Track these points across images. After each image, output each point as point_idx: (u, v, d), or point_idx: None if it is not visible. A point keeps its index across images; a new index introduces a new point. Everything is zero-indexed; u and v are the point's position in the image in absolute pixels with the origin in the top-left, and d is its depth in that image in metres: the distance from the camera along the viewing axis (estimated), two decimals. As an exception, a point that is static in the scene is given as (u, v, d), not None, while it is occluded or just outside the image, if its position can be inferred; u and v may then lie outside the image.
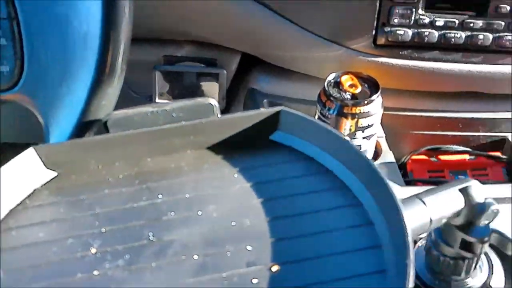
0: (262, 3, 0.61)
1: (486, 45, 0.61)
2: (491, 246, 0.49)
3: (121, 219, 0.31)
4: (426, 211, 0.40)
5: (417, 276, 0.49)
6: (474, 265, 0.46)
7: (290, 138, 0.37)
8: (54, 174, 0.34)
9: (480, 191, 0.42)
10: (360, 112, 0.55)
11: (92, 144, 0.35)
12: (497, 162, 0.66)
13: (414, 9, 0.60)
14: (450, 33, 0.60)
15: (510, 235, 0.49)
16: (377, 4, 0.59)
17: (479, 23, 0.60)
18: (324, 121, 0.58)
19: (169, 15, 0.65)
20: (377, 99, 0.56)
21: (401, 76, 0.63)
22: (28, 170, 0.33)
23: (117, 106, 0.42)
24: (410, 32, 0.60)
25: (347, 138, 0.34)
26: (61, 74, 0.37)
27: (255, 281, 0.28)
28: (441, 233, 0.45)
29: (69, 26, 0.36)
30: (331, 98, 0.56)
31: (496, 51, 0.61)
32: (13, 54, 0.37)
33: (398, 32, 0.60)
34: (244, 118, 0.36)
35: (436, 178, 0.64)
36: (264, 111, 0.36)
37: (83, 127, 0.38)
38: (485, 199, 0.41)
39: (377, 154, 0.61)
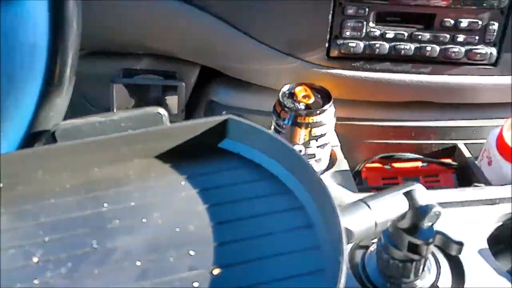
0: (220, 17, 0.63)
1: (434, 56, 0.64)
2: (438, 247, 0.51)
3: (65, 228, 0.31)
4: (371, 214, 0.42)
5: (369, 280, 0.51)
6: (422, 266, 0.48)
7: (238, 146, 0.38)
8: (-1, 185, 0.34)
9: (423, 195, 0.44)
10: (313, 122, 0.57)
11: (39, 154, 0.35)
12: (448, 168, 0.69)
13: (365, 22, 0.62)
14: (400, 45, 0.63)
15: (458, 237, 0.51)
16: (329, 18, 0.61)
17: (427, 35, 0.63)
18: (279, 131, 0.59)
19: (127, 28, 0.66)
20: (330, 108, 0.58)
21: (354, 87, 0.65)
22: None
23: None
24: (361, 44, 0.63)
25: (291, 145, 0.36)
26: (8, 86, 0.37)
27: (196, 284, 0.28)
28: (390, 237, 0.47)
29: (15, 38, 0.36)
30: (286, 109, 0.57)
31: (443, 62, 0.65)
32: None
33: (350, 44, 0.63)
34: (192, 127, 0.37)
35: (390, 185, 0.66)
36: (212, 120, 0.37)
37: (31, 138, 0.38)
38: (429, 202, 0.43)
39: (332, 162, 0.63)
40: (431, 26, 0.63)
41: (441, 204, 0.56)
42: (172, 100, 0.66)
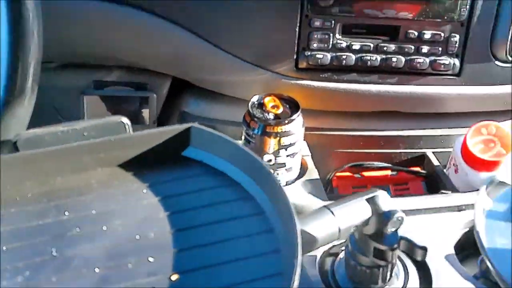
0: (190, 30, 0.64)
1: (400, 67, 0.65)
2: (406, 253, 0.52)
3: (25, 236, 0.31)
4: (334, 220, 0.42)
5: (339, 286, 0.51)
6: (389, 272, 0.49)
7: (201, 154, 0.38)
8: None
9: (386, 201, 0.45)
10: (282, 131, 0.58)
11: (1, 163, 0.35)
12: (417, 176, 0.70)
13: (331, 34, 0.64)
14: (366, 56, 0.65)
15: (426, 243, 0.52)
16: (297, 30, 0.63)
17: (392, 46, 0.65)
18: (249, 141, 0.60)
19: (98, 41, 0.66)
20: (298, 118, 0.59)
21: (323, 98, 0.66)
22: None
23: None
24: (329, 55, 0.64)
25: (253, 152, 0.36)
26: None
27: (153, 290, 0.28)
28: (356, 244, 0.48)
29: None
30: (255, 119, 0.58)
31: (408, 73, 0.66)
32: None
33: (317, 56, 0.64)
34: (155, 135, 0.37)
35: (360, 193, 0.67)
36: (175, 128, 0.37)
37: (-7, 149, 0.38)
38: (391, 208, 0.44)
39: (303, 171, 0.64)
40: (396, 37, 0.65)
41: (409, 211, 0.58)
42: (144, 112, 0.67)
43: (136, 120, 0.66)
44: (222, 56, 0.64)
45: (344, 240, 0.49)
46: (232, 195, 0.35)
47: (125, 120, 0.38)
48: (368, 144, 0.70)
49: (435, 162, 0.71)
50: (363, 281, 0.49)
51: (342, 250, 0.53)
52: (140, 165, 0.37)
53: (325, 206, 0.43)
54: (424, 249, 0.48)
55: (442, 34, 0.65)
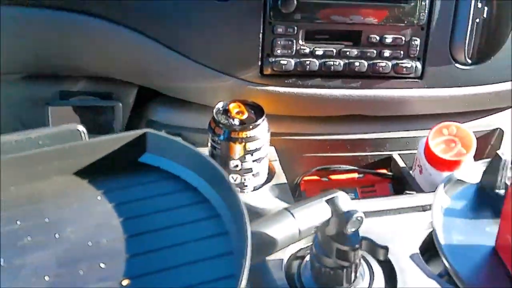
0: (154, 38, 0.64)
1: (363, 71, 0.67)
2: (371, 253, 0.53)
3: (-26, 247, 0.31)
4: (294, 222, 0.43)
5: (304, 290, 0.51)
6: (354, 273, 0.49)
7: (158, 159, 0.38)
8: None
9: (346, 201, 0.45)
10: (247, 137, 0.58)
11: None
12: (384, 178, 0.71)
13: (294, 40, 0.65)
14: (329, 61, 0.66)
15: (391, 243, 0.53)
16: (260, 37, 0.64)
17: (355, 51, 0.66)
18: (215, 147, 0.60)
19: (62, 51, 0.66)
20: (263, 123, 0.59)
21: (289, 103, 0.67)
22: None
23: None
24: (292, 61, 0.65)
25: (208, 156, 0.36)
26: None
27: (103, 295, 0.28)
28: (320, 245, 0.48)
29: None
30: (220, 125, 0.59)
31: (371, 77, 0.67)
32: None
33: (281, 62, 0.65)
34: (110, 141, 0.37)
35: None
36: (130, 134, 0.37)
37: None
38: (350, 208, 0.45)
39: (271, 176, 0.64)
40: (358, 42, 0.66)
41: (375, 212, 0.59)
42: (110, 121, 0.66)
43: (103, 130, 0.66)
44: (187, 64, 0.64)
45: (311, 243, 0.50)
46: (188, 199, 0.35)
47: (81, 127, 0.38)
48: (335, 148, 0.71)
49: (401, 164, 0.72)
50: (328, 283, 0.49)
51: (309, 253, 0.53)
52: (96, 172, 0.37)
53: (285, 208, 0.43)
54: (386, 248, 0.48)
55: (403, 38, 0.66)
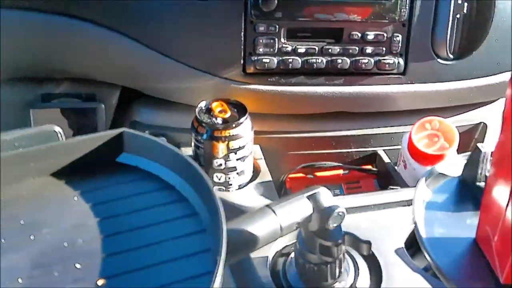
0: (135, 39, 0.64)
1: (345, 68, 0.67)
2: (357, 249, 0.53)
3: None
4: (276, 219, 0.43)
5: (289, 286, 0.51)
6: (338, 269, 0.49)
7: (135, 159, 0.38)
8: None
9: (327, 197, 0.46)
10: (230, 135, 0.58)
11: None
12: (369, 174, 0.72)
13: (276, 39, 0.65)
14: (312, 59, 0.66)
15: (376, 238, 0.53)
16: (242, 35, 0.64)
17: (337, 48, 0.66)
18: (198, 146, 0.60)
19: (44, 53, 0.65)
20: (246, 121, 0.59)
21: (272, 101, 0.67)
22: None
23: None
24: (275, 60, 0.65)
25: (186, 155, 0.36)
26: None
27: (78, 296, 0.28)
28: (304, 242, 0.48)
29: None
30: (203, 124, 0.59)
31: (354, 73, 0.68)
32: None
33: (264, 60, 0.65)
34: (87, 141, 0.37)
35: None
36: (107, 133, 0.37)
37: None
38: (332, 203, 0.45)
39: (256, 174, 0.64)
40: (340, 39, 0.66)
41: (360, 208, 0.59)
42: (93, 123, 0.66)
43: (86, 132, 0.65)
44: (170, 64, 0.64)
45: (296, 240, 0.50)
46: (166, 198, 0.35)
47: (57, 128, 0.38)
48: (321, 145, 0.72)
49: (386, 159, 0.72)
50: (312, 279, 0.49)
51: (293, 250, 0.53)
52: (74, 173, 0.37)
53: (266, 205, 0.43)
54: (368, 243, 0.49)
55: (385, 35, 0.67)
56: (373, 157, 0.74)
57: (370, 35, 0.66)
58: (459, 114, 0.75)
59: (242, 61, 0.65)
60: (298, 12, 0.64)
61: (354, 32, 0.66)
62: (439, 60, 0.69)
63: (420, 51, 0.68)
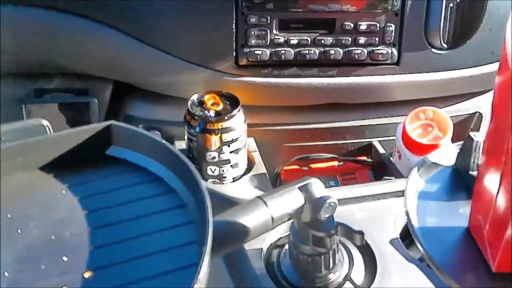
0: (127, 33, 0.63)
1: (338, 59, 0.67)
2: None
3: None
4: (267, 210, 0.43)
5: (284, 278, 0.51)
6: (332, 260, 0.49)
7: (124, 152, 0.38)
8: None
9: (319, 188, 0.45)
10: (223, 128, 0.58)
11: None
12: (364, 165, 0.72)
13: (268, 30, 0.64)
14: (304, 50, 0.66)
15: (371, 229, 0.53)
16: (234, 27, 0.63)
17: (329, 39, 0.66)
18: (191, 139, 0.60)
19: (36, 48, 0.65)
20: (238, 114, 0.59)
21: (265, 93, 0.67)
22: None
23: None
24: (267, 51, 0.65)
25: (171, 145, 0.36)
26: None
27: (64, 288, 0.28)
28: (297, 233, 0.48)
29: None
30: (195, 117, 0.58)
31: (348, 64, 0.67)
32: None
33: (256, 52, 0.64)
34: (75, 135, 0.37)
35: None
36: (94, 126, 0.37)
37: None
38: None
39: (250, 167, 0.64)
40: (332, 30, 0.66)
41: (355, 199, 0.59)
42: (86, 117, 0.66)
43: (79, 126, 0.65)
44: (162, 57, 0.64)
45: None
46: (154, 190, 0.35)
47: (45, 122, 0.38)
48: (315, 137, 0.71)
49: (381, 150, 0.72)
50: (307, 271, 0.49)
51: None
52: (62, 167, 0.36)
53: (258, 197, 0.43)
54: (361, 233, 0.48)
55: (378, 25, 0.66)
56: (369, 148, 0.74)
57: (363, 26, 0.66)
58: (455, 104, 0.75)
59: (234, 53, 0.65)
60: (289, 3, 0.63)
61: (346, 23, 0.65)
62: (432, 49, 0.68)
63: (413, 40, 0.68)
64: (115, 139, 0.38)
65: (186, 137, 0.60)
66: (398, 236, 0.55)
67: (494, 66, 0.70)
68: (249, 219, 0.42)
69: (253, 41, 0.64)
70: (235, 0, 0.62)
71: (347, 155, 0.73)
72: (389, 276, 0.50)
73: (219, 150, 0.59)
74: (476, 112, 0.75)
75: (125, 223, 0.33)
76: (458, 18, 0.67)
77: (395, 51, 0.68)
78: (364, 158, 0.72)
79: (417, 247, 0.55)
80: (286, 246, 0.53)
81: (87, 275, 0.29)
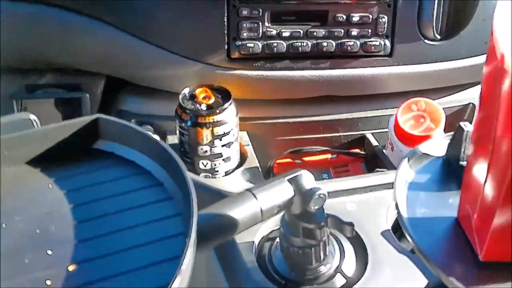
0: (118, 28, 0.63)
1: (331, 51, 0.66)
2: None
3: None
4: (256, 203, 0.43)
5: (275, 271, 0.51)
6: (322, 252, 0.49)
7: (112, 145, 0.38)
8: None
9: (308, 180, 0.45)
10: (214, 121, 0.58)
11: None
12: (357, 158, 0.71)
13: (260, 23, 0.64)
14: (296, 42, 0.65)
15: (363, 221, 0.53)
16: (225, 20, 0.63)
17: (322, 31, 0.65)
18: (183, 133, 0.60)
19: (27, 44, 0.65)
20: (230, 107, 0.59)
21: (258, 86, 0.67)
22: None
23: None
24: (259, 44, 0.65)
25: (158, 138, 0.36)
26: None
27: (48, 282, 0.28)
28: (287, 225, 0.48)
29: None
30: (186, 111, 0.58)
31: (340, 56, 0.67)
32: None
33: (248, 45, 0.64)
34: (61, 129, 0.36)
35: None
36: (81, 120, 0.37)
37: None
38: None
39: (243, 160, 0.64)
40: (325, 22, 0.65)
41: (346, 191, 0.59)
42: (78, 113, 0.66)
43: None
44: (153, 51, 0.64)
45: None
46: (141, 183, 0.35)
47: (32, 116, 0.38)
48: (308, 130, 0.71)
49: (374, 142, 0.72)
50: (298, 263, 0.49)
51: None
52: (49, 161, 0.36)
53: (247, 189, 0.43)
54: (351, 225, 0.48)
55: (370, 16, 0.66)
56: (362, 141, 0.74)
57: (355, 17, 0.65)
58: (448, 95, 0.75)
59: (226, 46, 0.64)
60: (281, -5, 0.63)
61: (339, 14, 0.65)
62: (425, 40, 0.68)
63: (406, 32, 0.67)
64: (102, 133, 0.38)
65: (177, 131, 0.60)
66: (389, 228, 0.55)
67: (487, 57, 0.70)
68: (238, 212, 0.42)
69: (245, 34, 0.64)
70: (226, -7, 0.62)
71: (340, 148, 0.73)
72: (380, 268, 0.50)
73: (211, 144, 0.59)
74: (470, 103, 0.75)
75: (111, 216, 0.33)
76: (451, 9, 0.67)
77: (388, 43, 0.67)
78: (357, 150, 0.72)
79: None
80: (278, 239, 0.53)
81: (71, 268, 0.29)
